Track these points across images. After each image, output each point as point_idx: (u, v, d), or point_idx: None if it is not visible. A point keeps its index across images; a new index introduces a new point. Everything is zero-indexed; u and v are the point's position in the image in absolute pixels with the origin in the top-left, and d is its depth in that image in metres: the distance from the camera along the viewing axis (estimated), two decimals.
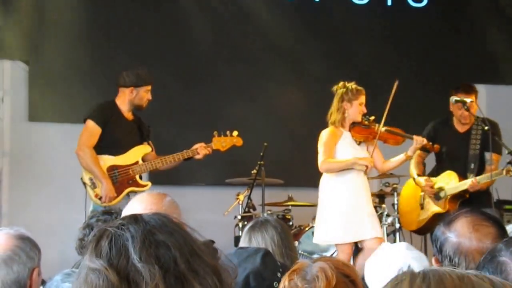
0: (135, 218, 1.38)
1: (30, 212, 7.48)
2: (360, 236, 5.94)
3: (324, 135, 6.15)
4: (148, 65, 8.16)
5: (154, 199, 2.56)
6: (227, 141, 6.25)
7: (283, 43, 8.62)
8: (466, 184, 6.20)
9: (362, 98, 6.12)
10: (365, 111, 6.16)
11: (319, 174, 6.36)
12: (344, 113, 6.10)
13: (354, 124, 6.16)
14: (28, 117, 7.90)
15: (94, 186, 5.84)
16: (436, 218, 6.04)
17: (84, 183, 5.87)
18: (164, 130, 7.87)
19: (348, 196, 6.01)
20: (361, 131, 6.19)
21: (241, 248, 2.42)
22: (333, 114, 6.15)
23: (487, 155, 6.39)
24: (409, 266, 1.19)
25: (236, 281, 2.18)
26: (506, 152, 6.15)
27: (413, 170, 6.56)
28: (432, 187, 6.36)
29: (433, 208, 6.41)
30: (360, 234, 5.94)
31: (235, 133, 6.25)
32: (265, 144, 6.98)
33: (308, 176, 8.13)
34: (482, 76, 9.01)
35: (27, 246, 2.52)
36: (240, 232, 6.87)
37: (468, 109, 6.31)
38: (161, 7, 8.35)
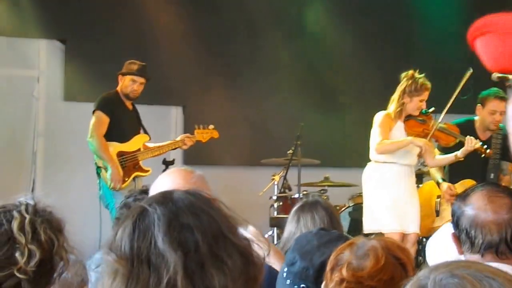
0: (163, 198, 1.36)
1: (64, 192, 7.50)
2: (405, 228, 5.74)
3: (380, 117, 5.82)
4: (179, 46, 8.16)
5: (183, 173, 2.66)
6: (207, 133, 6.66)
7: (312, 25, 8.56)
8: None
9: (425, 95, 5.78)
10: (424, 107, 5.82)
11: (355, 154, 6.25)
12: (402, 105, 5.78)
13: (409, 117, 5.87)
14: (63, 97, 7.92)
15: (107, 170, 6.20)
16: None
17: (99, 167, 6.22)
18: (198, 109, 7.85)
19: (392, 186, 5.77)
20: (415, 126, 5.88)
21: (323, 229, 2.34)
22: (393, 103, 5.83)
23: (504, 164, 6.14)
24: None
25: (313, 263, 2.13)
26: None
27: (436, 173, 6.18)
28: (453, 195, 5.88)
29: (450, 217, 6.03)
30: (405, 226, 5.74)
31: (211, 126, 6.67)
32: (302, 124, 6.92)
33: (344, 156, 8.10)
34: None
35: None
36: (276, 212, 6.86)
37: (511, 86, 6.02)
38: None
